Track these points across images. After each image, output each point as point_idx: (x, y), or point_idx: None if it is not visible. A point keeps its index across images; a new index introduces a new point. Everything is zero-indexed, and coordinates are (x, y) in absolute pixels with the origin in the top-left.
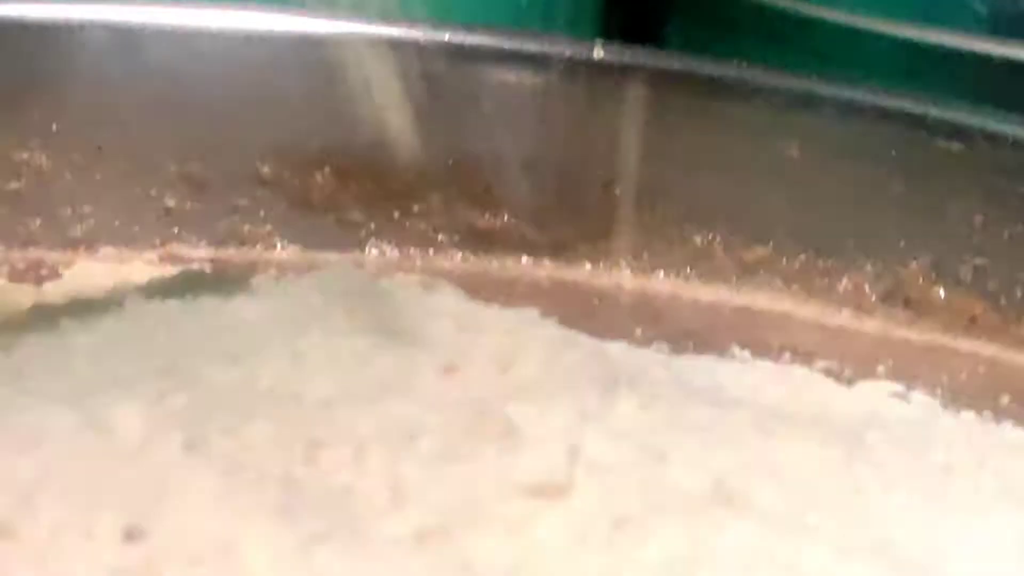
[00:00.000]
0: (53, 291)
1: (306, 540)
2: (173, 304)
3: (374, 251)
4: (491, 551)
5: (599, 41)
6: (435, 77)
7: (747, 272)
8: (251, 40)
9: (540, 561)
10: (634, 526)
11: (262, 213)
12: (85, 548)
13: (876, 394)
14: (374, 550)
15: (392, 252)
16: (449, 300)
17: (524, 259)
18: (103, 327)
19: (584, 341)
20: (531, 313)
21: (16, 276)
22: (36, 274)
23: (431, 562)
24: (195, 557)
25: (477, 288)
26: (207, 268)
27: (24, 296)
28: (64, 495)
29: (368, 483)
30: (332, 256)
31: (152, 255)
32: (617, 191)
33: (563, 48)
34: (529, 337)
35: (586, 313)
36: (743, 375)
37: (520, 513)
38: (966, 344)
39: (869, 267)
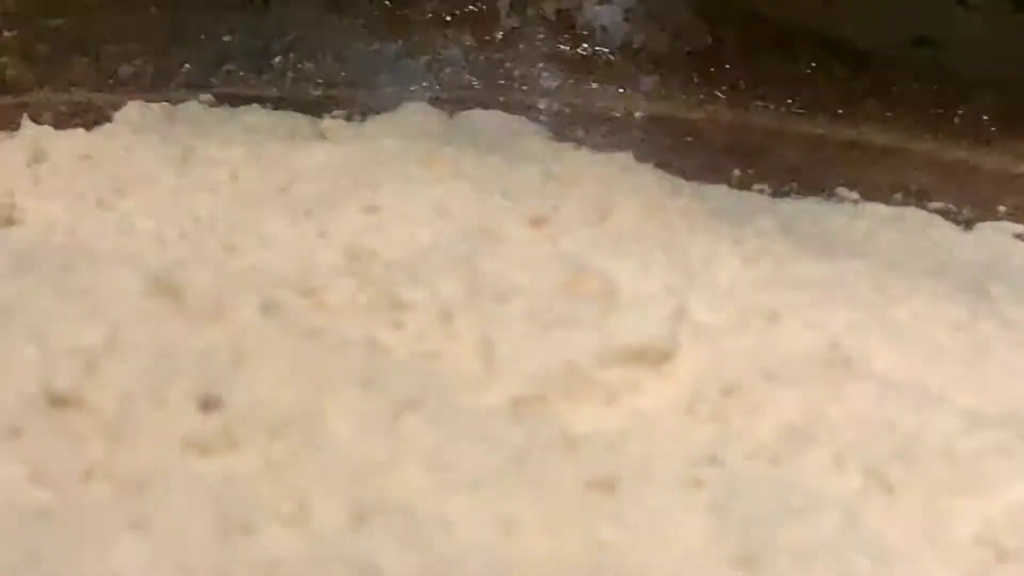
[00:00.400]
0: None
1: (394, 408)
2: (236, 152)
3: (449, 86)
4: (591, 422)
5: None
6: None
7: (854, 102)
8: None
9: (644, 432)
10: (745, 394)
11: (325, 47)
12: (158, 419)
13: (998, 237)
14: (466, 420)
15: (468, 86)
16: (536, 143)
17: (612, 91)
18: (164, 179)
19: (683, 187)
20: (625, 157)
21: (62, 121)
22: (84, 119)
23: (526, 433)
24: (276, 428)
25: (566, 128)
26: (269, 108)
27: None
28: (134, 362)
29: (457, 348)
30: (403, 92)
31: (207, 95)
32: (710, 14)
33: None
34: (624, 185)
35: (681, 152)
36: (854, 220)
37: (621, 380)
38: None
39: (988, 96)
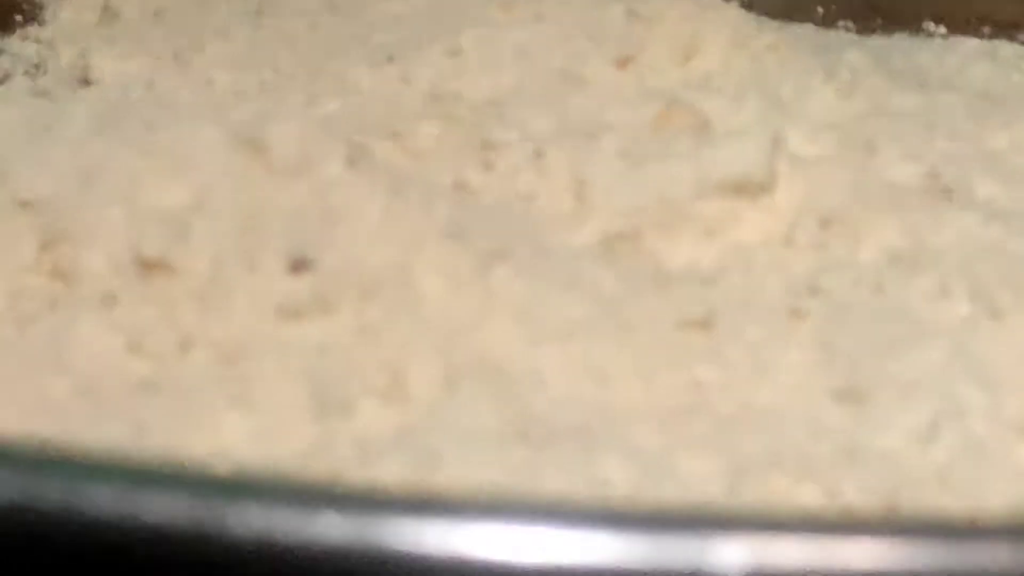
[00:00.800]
0: None
1: (483, 259)
2: (313, 3)
3: None
4: (686, 257)
5: None
6: None
7: None
8: None
9: (742, 265)
10: (845, 223)
11: None
12: (249, 281)
13: None
14: (557, 265)
15: None
16: None
17: None
18: (240, 33)
19: (769, 24)
20: None
21: None
22: None
23: (619, 274)
24: (367, 288)
25: None
26: None
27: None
28: (222, 224)
29: (548, 187)
30: None
31: None
32: None
33: None
34: (709, 22)
35: None
36: (944, 54)
37: (718, 213)
38: None
39: None
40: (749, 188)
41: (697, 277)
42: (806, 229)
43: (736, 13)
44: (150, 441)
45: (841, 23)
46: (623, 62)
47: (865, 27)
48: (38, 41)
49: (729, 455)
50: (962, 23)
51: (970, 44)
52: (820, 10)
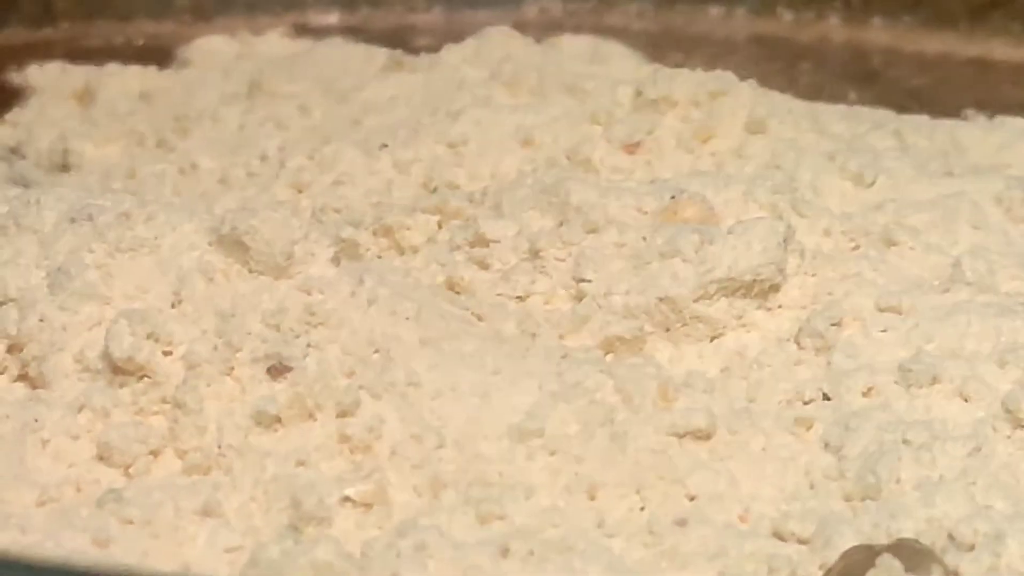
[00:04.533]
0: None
1: (473, 365)
2: (305, 86)
3: (535, 8)
4: (690, 360)
5: None
6: None
7: (979, 16)
8: None
9: (747, 371)
10: (857, 325)
11: None
12: (224, 386)
13: None
14: (553, 368)
15: (557, 8)
16: (630, 65)
17: (714, 10)
18: (229, 116)
19: (789, 106)
20: (726, 76)
21: (118, 57)
22: (141, 54)
23: (620, 377)
24: (349, 394)
25: (663, 51)
26: (341, 38)
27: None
28: (198, 325)
29: (545, 287)
30: (486, 16)
31: (282, 25)
32: None
33: None
34: (724, 106)
35: (790, 74)
36: (987, 134)
37: (723, 315)
38: None
39: None
40: (756, 288)
41: (699, 383)
42: (815, 331)
43: (753, 94)
44: (114, 554)
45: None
46: (631, 147)
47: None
48: (16, 125)
49: (722, 567)
50: (1007, 112)
51: (1017, 124)
52: (852, 95)
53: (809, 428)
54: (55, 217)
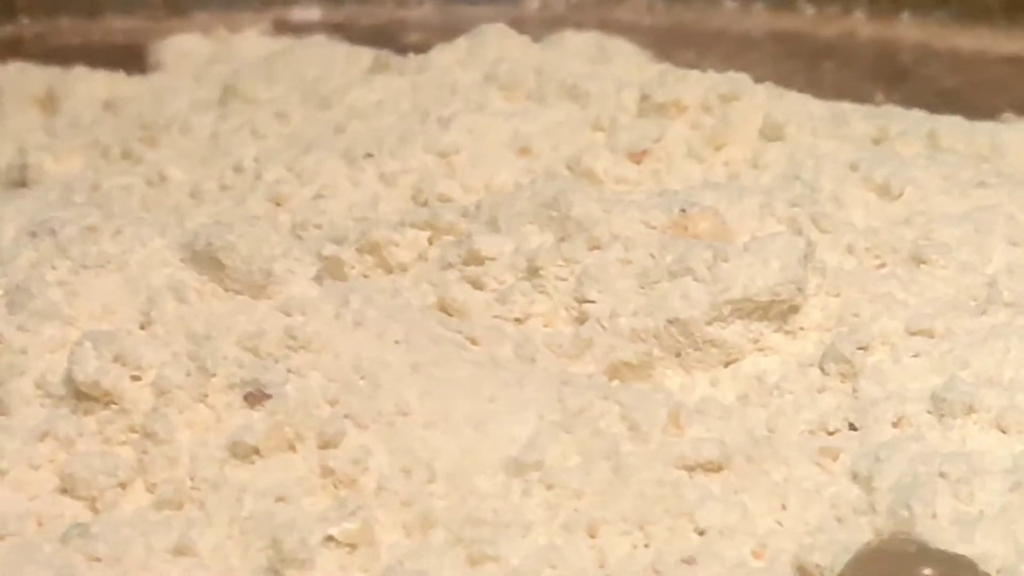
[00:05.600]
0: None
1: (467, 393)
2: (284, 91)
3: (536, 2)
4: (703, 387)
5: None
6: None
7: (1017, 10)
8: None
9: (764, 399)
10: (885, 350)
11: None
12: (198, 414)
13: None
14: (554, 397)
15: (559, 3)
16: (637, 66)
17: (729, 4)
18: (200, 124)
19: (809, 108)
20: (740, 78)
21: (84, 59)
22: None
23: (626, 406)
24: (332, 424)
25: (669, 46)
26: (324, 36)
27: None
28: (170, 348)
29: (545, 308)
30: (482, 12)
31: (262, 22)
32: None
33: None
34: (739, 110)
35: (811, 74)
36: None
37: (738, 339)
38: None
39: None
40: (774, 309)
41: (713, 412)
42: (840, 356)
43: (770, 97)
44: None
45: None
46: (638, 156)
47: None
48: None
49: None
50: None
51: None
52: (879, 95)
53: (835, 459)
54: (13, 231)
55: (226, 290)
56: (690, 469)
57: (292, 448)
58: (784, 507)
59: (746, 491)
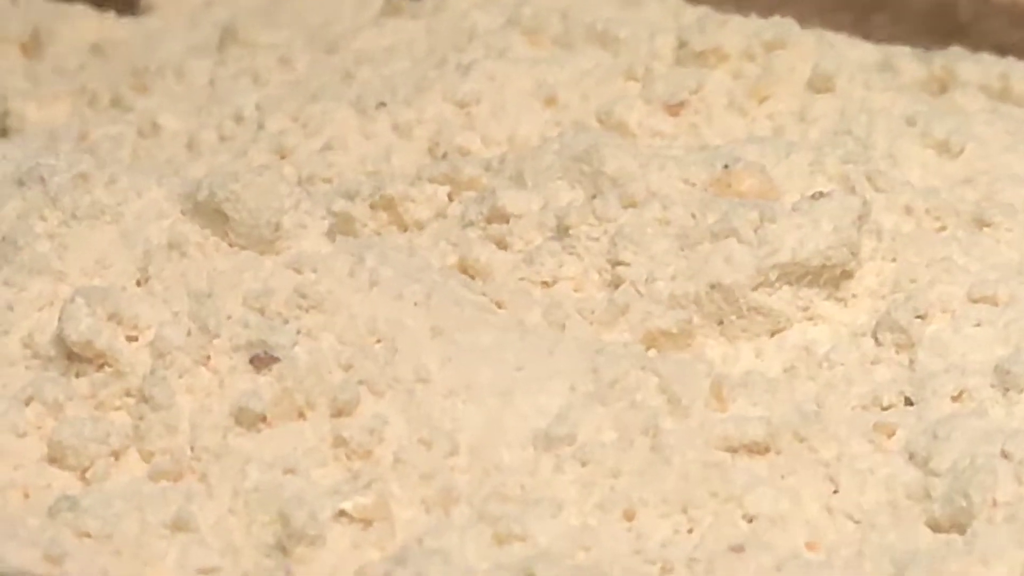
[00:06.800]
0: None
1: (491, 360)
2: (287, 34)
3: None
4: (747, 358)
5: None
6: None
7: None
8: None
9: (814, 370)
10: (944, 319)
11: None
12: (200, 378)
13: None
14: (585, 367)
15: None
16: (669, 8)
17: None
18: (196, 69)
19: (861, 53)
20: (786, 23)
21: None
22: None
23: (664, 378)
24: (344, 389)
25: None
26: None
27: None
28: (169, 306)
29: (575, 270)
30: None
31: None
32: None
33: None
34: (784, 58)
35: (862, 28)
36: None
37: (786, 306)
38: None
39: None
40: (825, 275)
41: (759, 385)
42: (895, 325)
43: (819, 42)
44: (67, 572)
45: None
46: (675, 107)
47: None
48: None
49: None
50: None
51: None
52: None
53: (890, 436)
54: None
55: (231, 245)
56: (734, 450)
57: (302, 416)
58: (836, 491)
59: (794, 474)
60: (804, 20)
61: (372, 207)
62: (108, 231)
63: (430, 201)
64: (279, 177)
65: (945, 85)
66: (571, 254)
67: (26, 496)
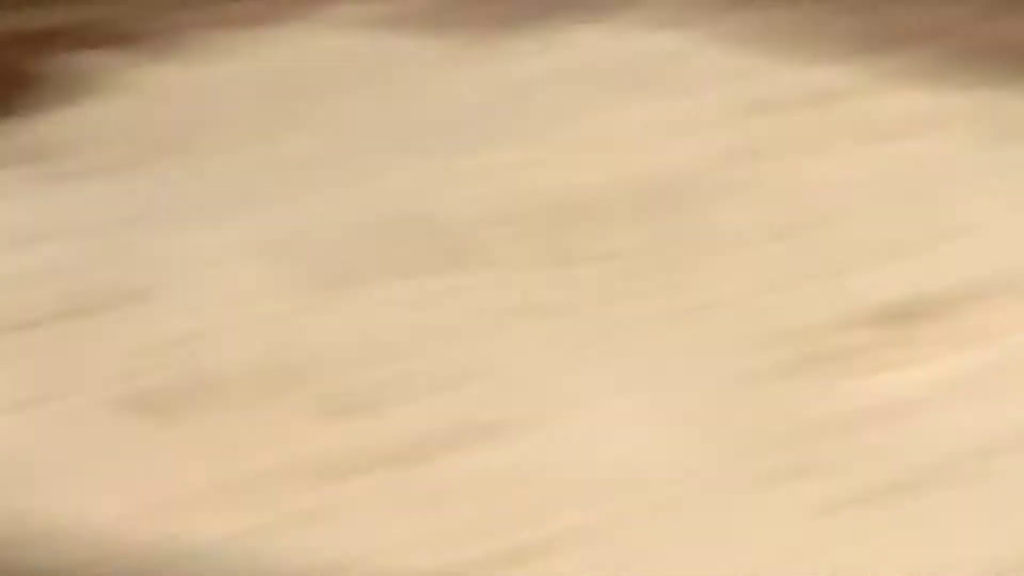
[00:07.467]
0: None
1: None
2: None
3: None
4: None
5: None
6: None
7: None
8: None
9: (906, 415)
10: None
11: None
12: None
13: None
14: (662, 414)
15: None
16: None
17: None
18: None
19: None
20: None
21: None
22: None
23: (744, 421)
24: (428, 441)
25: None
26: None
27: None
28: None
29: (644, 311)
30: None
31: None
32: None
33: None
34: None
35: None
36: None
37: (882, 344)
38: None
39: None
40: (918, 313)
41: (846, 431)
42: (1003, 364)
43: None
44: None
45: None
46: None
47: None
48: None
49: None
50: None
51: None
52: None
53: (1004, 482)
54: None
55: (307, 289)
56: (822, 511)
57: (383, 469)
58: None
59: (895, 527)
60: None
61: (444, 251)
62: (178, 277)
63: (499, 244)
64: (352, 220)
65: None
66: (639, 298)
67: None
